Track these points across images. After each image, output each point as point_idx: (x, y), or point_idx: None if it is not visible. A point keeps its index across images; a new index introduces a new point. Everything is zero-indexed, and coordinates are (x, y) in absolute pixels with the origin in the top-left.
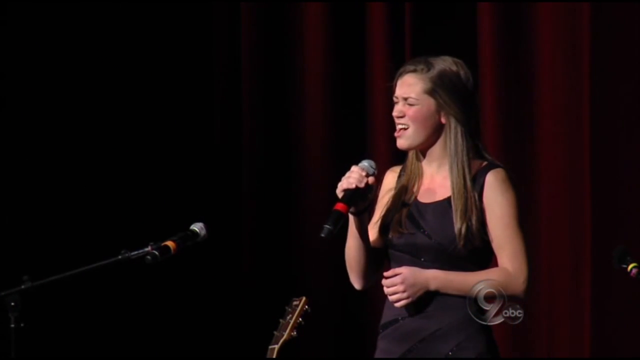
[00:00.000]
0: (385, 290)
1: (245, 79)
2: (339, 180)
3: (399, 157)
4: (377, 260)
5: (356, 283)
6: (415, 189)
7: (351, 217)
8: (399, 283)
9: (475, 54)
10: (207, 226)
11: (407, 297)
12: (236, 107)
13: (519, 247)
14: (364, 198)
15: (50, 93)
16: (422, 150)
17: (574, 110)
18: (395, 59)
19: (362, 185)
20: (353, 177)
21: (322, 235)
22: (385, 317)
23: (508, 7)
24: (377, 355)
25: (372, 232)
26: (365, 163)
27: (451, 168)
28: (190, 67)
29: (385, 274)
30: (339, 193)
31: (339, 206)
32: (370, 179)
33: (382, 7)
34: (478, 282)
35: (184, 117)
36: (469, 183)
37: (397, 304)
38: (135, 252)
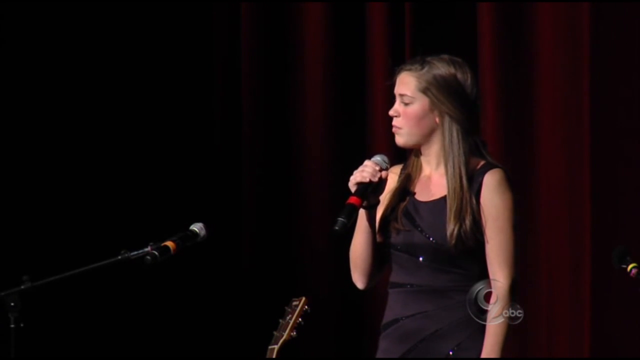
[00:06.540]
0: None
1: (245, 79)
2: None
3: (399, 156)
4: (381, 259)
5: (359, 282)
6: (413, 187)
7: (361, 212)
8: None
9: (475, 54)
10: (207, 226)
11: None
12: (236, 107)
13: (509, 253)
14: (376, 192)
15: (50, 94)
16: (420, 148)
17: (574, 110)
18: (395, 58)
19: (375, 179)
20: (367, 171)
21: (336, 228)
22: (387, 317)
23: (508, 7)
24: (379, 355)
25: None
26: (378, 158)
27: (446, 168)
28: (190, 68)
29: None
30: (352, 187)
31: (353, 200)
32: (384, 173)
33: (382, 7)
34: None
35: (184, 116)
36: (465, 183)
37: None
38: (135, 253)
